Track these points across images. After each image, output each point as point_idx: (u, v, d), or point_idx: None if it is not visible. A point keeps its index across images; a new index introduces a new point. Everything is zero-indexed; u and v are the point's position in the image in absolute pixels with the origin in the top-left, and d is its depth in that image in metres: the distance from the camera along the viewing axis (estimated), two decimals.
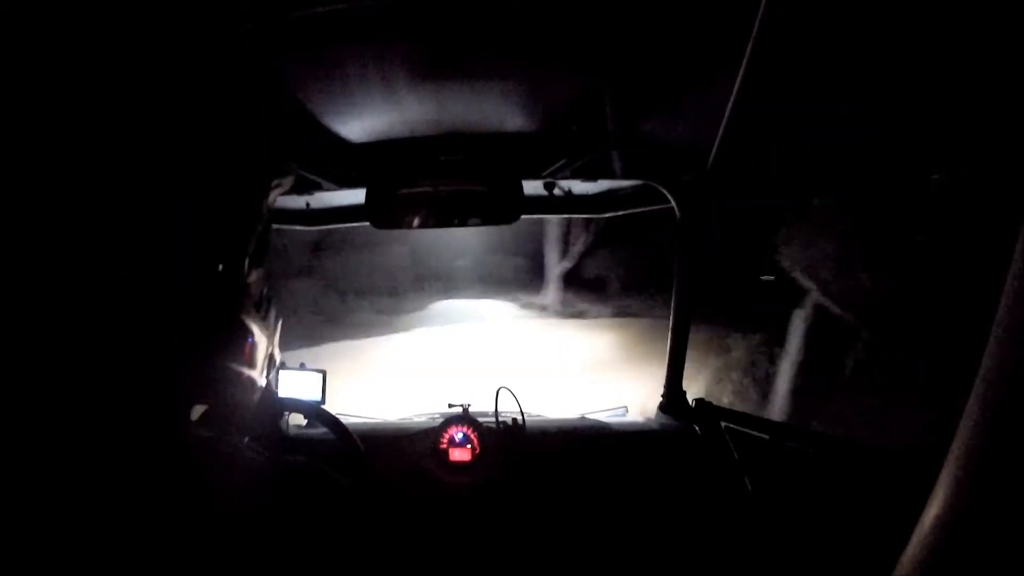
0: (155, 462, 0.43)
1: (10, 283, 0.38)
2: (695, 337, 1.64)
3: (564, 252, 11.37)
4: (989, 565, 0.33)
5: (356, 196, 1.62)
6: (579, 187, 1.63)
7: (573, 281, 11.37)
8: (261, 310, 0.47)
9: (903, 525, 0.39)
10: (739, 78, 1.08)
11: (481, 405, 1.63)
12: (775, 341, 5.80)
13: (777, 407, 5.45)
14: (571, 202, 1.70)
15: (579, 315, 10.62)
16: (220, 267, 0.46)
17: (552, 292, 11.33)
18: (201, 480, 0.44)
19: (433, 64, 1.22)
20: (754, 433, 1.46)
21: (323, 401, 1.64)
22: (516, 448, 1.50)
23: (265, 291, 0.48)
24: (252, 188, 0.47)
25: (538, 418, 1.70)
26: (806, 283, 5.24)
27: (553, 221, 10.66)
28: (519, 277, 11.95)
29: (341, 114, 1.38)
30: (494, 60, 1.22)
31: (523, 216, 1.45)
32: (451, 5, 1.06)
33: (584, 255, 11.37)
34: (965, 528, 0.35)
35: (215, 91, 0.45)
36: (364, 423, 1.74)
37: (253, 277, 0.48)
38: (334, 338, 8.66)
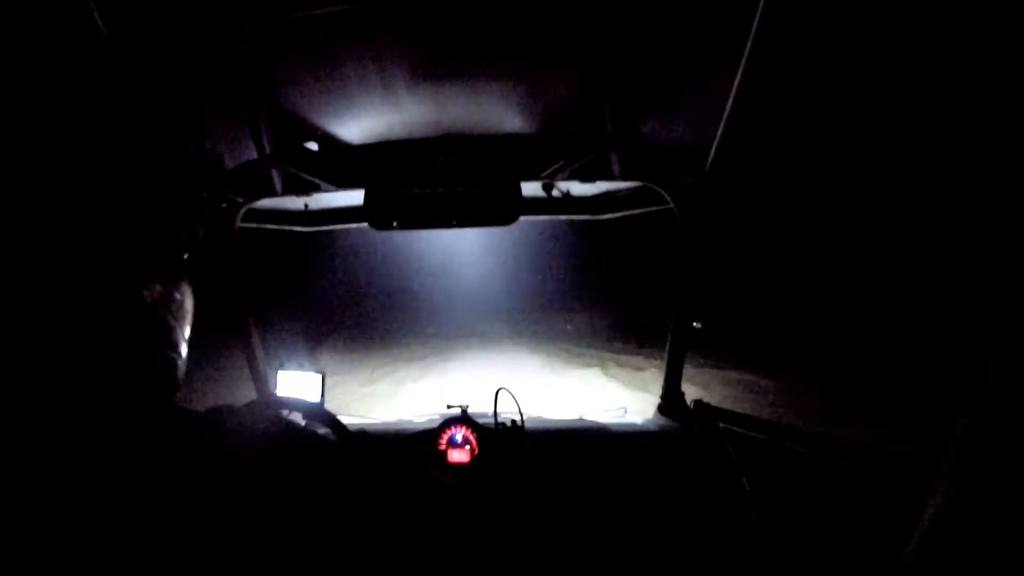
0: (150, 446, 0.43)
1: (10, 283, 0.38)
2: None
3: None
4: (988, 564, 0.33)
5: (355, 197, 1.62)
6: (578, 188, 1.64)
7: None
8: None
9: (902, 525, 0.39)
10: (737, 79, 1.08)
11: (480, 406, 1.63)
12: None
13: None
14: (570, 204, 1.70)
15: None
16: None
17: None
18: (197, 457, 0.45)
19: (432, 65, 1.22)
20: (752, 434, 1.46)
21: (323, 402, 1.64)
22: (515, 449, 1.50)
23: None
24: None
25: (537, 419, 1.70)
26: None
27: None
28: None
29: (340, 115, 1.39)
30: (493, 61, 1.22)
31: (521, 218, 1.45)
32: (449, 7, 1.06)
33: None
34: (964, 527, 0.35)
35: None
36: (363, 424, 1.74)
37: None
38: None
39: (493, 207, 1.42)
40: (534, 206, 1.68)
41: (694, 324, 1.58)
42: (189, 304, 0.51)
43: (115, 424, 0.42)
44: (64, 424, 0.40)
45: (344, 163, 1.48)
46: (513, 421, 1.54)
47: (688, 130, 1.34)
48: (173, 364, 0.49)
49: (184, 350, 0.50)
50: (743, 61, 1.04)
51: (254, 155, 1.43)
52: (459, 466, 1.49)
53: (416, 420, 1.77)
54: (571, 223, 1.80)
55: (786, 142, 1.29)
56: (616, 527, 1.42)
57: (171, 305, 0.48)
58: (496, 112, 1.37)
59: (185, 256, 0.49)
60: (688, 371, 1.70)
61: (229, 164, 1.46)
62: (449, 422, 1.53)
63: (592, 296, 9.82)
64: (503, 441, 1.51)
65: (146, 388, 0.46)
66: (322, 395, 1.68)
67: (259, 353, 1.75)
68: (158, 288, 0.47)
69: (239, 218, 1.60)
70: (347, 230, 1.84)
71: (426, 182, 1.42)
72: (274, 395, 1.71)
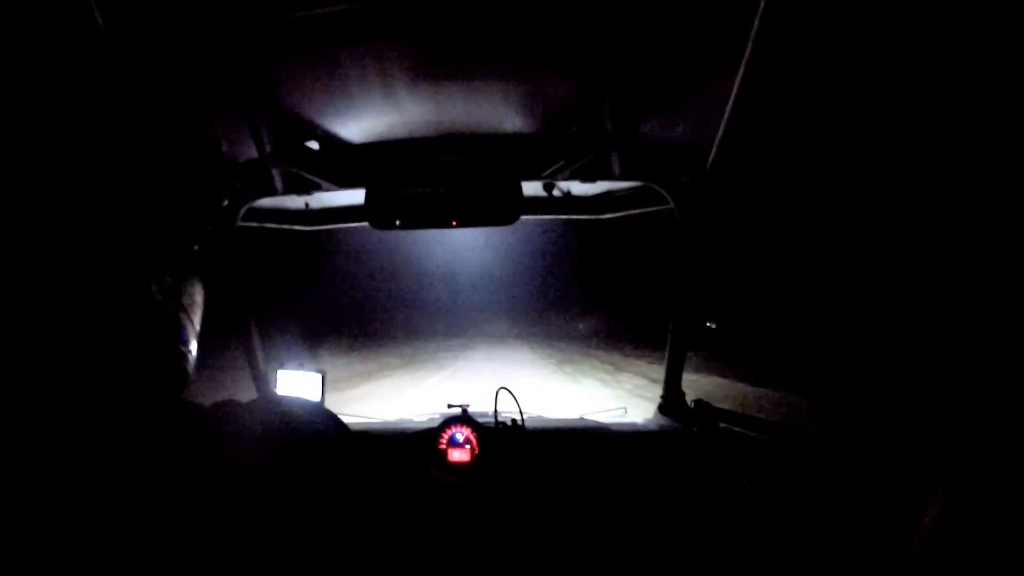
0: (154, 443, 0.43)
1: (12, 284, 0.38)
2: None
3: None
4: (988, 564, 0.33)
5: (355, 197, 1.62)
6: (578, 188, 1.64)
7: None
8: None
9: (903, 525, 0.39)
10: (738, 80, 1.08)
11: (481, 405, 1.63)
12: None
13: None
14: (570, 203, 1.70)
15: None
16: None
17: None
18: (201, 454, 0.45)
19: (432, 65, 1.22)
20: (752, 434, 1.46)
21: (323, 401, 1.64)
22: (515, 449, 1.50)
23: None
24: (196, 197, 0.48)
25: (537, 419, 1.70)
26: None
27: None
28: None
29: (340, 115, 1.39)
30: (493, 62, 1.22)
31: (522, 217, 1.45)
32: (449, 7, 1.06)
33: None
34: (964, 527, 0.35)
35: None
36: (364, 423, 1.74)
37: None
38: None
39: (494, 207, 1.42)
40: (535, 206, 1.68)
41: (708, 324, 1.57)
42: (199, 297, 0.51)
43: (123, 420, 0.43)
44: (73, 421, 0.40)
45: (345, 162, 1.48)
46: (513, 420, 1.54)
47: (688, 130, 1.34)
48: (184, 358, 0.49)
49: (194, 344, 0.50)
50: (743, 61, 1.04)
51: (254, 155, 1.43)
52: (459, 465, 1.49)
53: (416, 419, 1.77)
54: (572, 223, 1.80)
55: (786, 142, 1.29)
56: (616, 527, 1.42)
57: (182, 298, 0.48)
58: (496, 112, 1.37)
59: (195, 248, 0.49)
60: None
61: (229, 164, 1.47)
62: (449, 421, 1.53)
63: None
64: (503, 441, 1.51)
65: (156, 384, 0.46)
66: (322, 394, 1.68)
67: (259, 353, 1.75)
68: (169, 281, 0.47)
69: (239, 217, 1.60)
70: (348, 230, 1.84)
71: (427, 182, 1.42)
72: (274, 394, 1.71)
